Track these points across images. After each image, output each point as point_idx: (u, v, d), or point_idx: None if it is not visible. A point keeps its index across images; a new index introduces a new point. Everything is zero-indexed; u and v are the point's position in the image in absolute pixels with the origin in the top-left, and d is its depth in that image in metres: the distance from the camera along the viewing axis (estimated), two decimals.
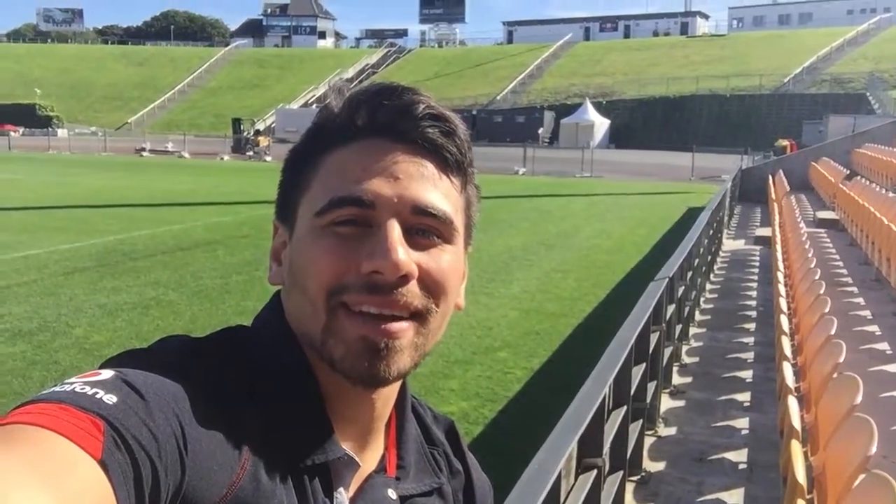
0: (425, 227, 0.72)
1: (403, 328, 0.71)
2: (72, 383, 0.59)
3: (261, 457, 0.66)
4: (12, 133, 54.31)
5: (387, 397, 0.78)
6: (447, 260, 0.74)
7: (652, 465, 4.84)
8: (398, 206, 0.71)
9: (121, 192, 21.80)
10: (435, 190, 0.73)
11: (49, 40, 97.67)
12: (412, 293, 0.70)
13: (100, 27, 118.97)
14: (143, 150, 43.71)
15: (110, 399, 0.58)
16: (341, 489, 0.74)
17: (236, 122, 49.98)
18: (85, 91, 76.77)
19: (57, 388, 0.59)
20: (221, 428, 0.64)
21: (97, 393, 0.58)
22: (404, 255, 0.69)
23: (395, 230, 0.70)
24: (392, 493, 0.77)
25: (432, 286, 0.72)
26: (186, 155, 41.84)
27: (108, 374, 0.62)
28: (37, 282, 9.94)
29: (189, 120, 66.65)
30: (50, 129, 57.59)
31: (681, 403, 5.97)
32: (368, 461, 0.78)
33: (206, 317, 8.25)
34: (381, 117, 0.74)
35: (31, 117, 64.78)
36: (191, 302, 9.05)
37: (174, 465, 0.59)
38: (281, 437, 0.69)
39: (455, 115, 0.77)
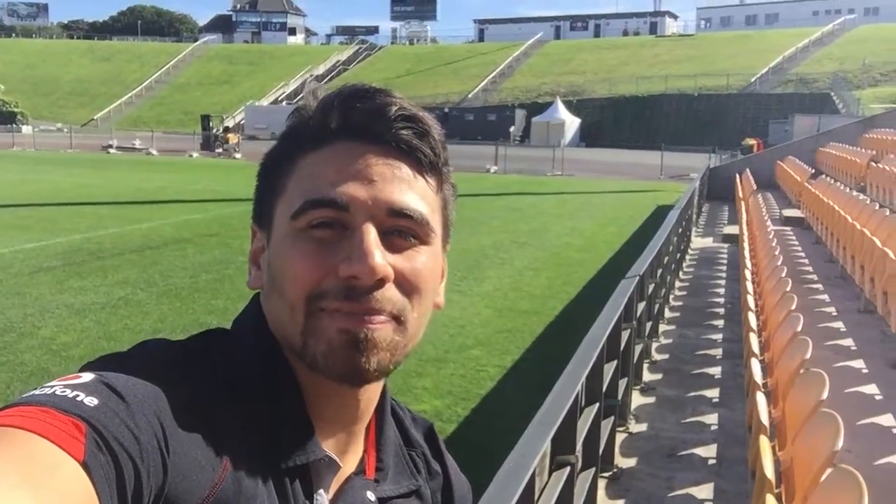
0: (401, 229, 0.73)
1: (382, 320, 0.71)
2: (52, 386, 0.60)
3: (242, 458, 0.67)
4: None
5: (368, 398, 0.78)
6: (423, 261, 0.74)
7: (623, 462, 4.89)
8: (373, 208, 0.71)
9: (87, 189, 21.46)
10: (410, 191, 0.74)
11: (13, 35, 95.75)
12: (388, 297, 0.71)
13: (65, 22, 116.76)
14: (110, 147, 43.04)
15: (91, 401, 0.58)
16: (321, 491, 0.74)
17: (205, 119, 49.39)
18: (50, 87, 75.35)
19: (37, 392, 0.59)
20: (202, 430, 0.65)
21: (78, 395, 0.58)
22: (381, 259, 0.69)
23: (370, 233, 0.70)
24: (371, 495, 0.78)
25: (409, 288, 0.72)
26: (154, 152, 41.28)
27: (88, 376, 0.62)
28: (1, 282, 9.77)
29: (157, 116, 65.76)
30: (14, 126, 56.37)
31: (651, 400, 6.04)
32: (348, 463, 0.78)
33: (175, 316, 8.17)
34: (354, 120, 0.74)
35: None
36: (160, 301, 8.95)
37: (156, 466, 0.59)
38: (262, 438, 0.70)
39: (429, 116, 0.77)
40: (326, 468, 0.74)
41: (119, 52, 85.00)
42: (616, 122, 54.91)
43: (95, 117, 67.98)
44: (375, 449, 0.82)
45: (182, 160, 37.60)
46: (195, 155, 40.59)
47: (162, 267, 10.92)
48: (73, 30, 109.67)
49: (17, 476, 0.50)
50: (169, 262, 11.28)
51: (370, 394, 0.78)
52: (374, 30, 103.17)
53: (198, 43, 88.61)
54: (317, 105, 0.76)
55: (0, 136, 50.90)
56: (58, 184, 22.96)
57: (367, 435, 0.82)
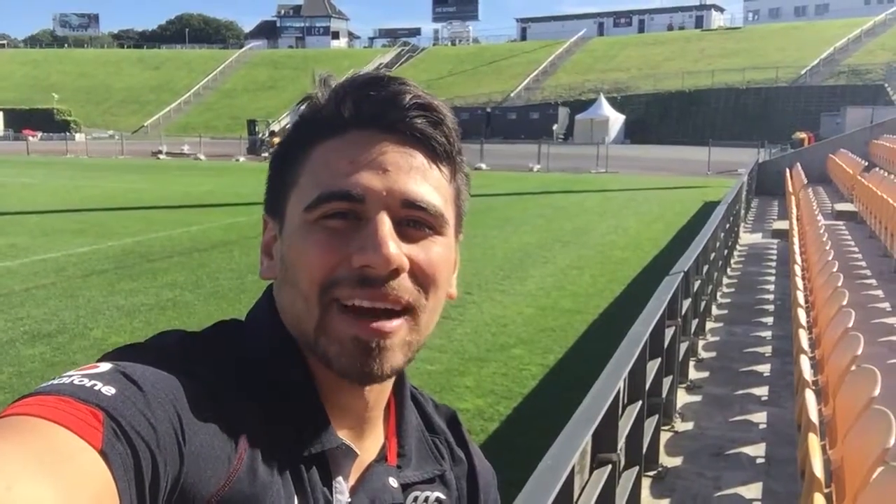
0: (416, 220, 0.72)
1: (395, 326, 0.71)
2: (70, 376, 0.60)
3: (257, 448, 0.67)
4: (31, 138, 54.90)
5: (381, 389, 0.78)
6: (438, 252, 0.73)
7: (668, 461, 4.81)
8: (388, 199, 0.71)
9: (138, 194, 21.97)
10: (424, 182, 0.73)
11: (66, 45, 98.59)
12: (403, 287, 0.70)
13: (115, 31, 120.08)
14: (160, 152, 44.00)
15: (109, 391, 0.58)
16: (340, 478, 0.74)
17: (251, 124, 50.21)
18: (102, 95, 77.42)
19: (56, 381, 0.59)
20: (218, 420, 0.65)
21: (96, 385, 0.59)
22: (395, 249, 0.69)
23: (385, 224, 0.70)
24: (393, 481, 0.77)
25: (423, 279, 0.72)
26: (202, 157, 42.08)
27: (106, 366, 0.62)
28: (55, 284, 10.04)
29: (205, 122, 67.02)
30: (68, 134, 58.13)
31: (698, 398, 5.93)
32: (368, 450, 0.78)
33: (221, 316, 8.15)
34: (367, 108, 0.73)
35: (49, 122, 65.39)
36: (207, 302, 9.11)
37: (173, 455, 0.59)
38: (277, 428, 0.70)
39: (443, 104, 0.76)
40: (344, 456, 0.74)
41: (168, 60, 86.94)
42: (662, 118, 54.18)
43: (146, 124, 69.62)
44: (396, 435, 0.81)
45: (229, 164, 38.27)
46: (242, 159, 41.24)
47: (209, 269, 11.11)
48: (123, 39, 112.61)
49: (35, 464, 0.51)
50: (216, 264, 11.47)
51: (382, 386, 0.78)
52: (416, 31, 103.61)
53: (244, 49, 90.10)
54: (329, 94, 0.75)
55: (55, 143, 52.47)
56: (110, 189, 23.56)
57: (388, 421, 0.81)
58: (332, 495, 0.72)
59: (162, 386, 0.63)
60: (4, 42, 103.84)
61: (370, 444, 0.78)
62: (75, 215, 17.27)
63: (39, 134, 60.56)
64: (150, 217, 17.21)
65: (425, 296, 0.72)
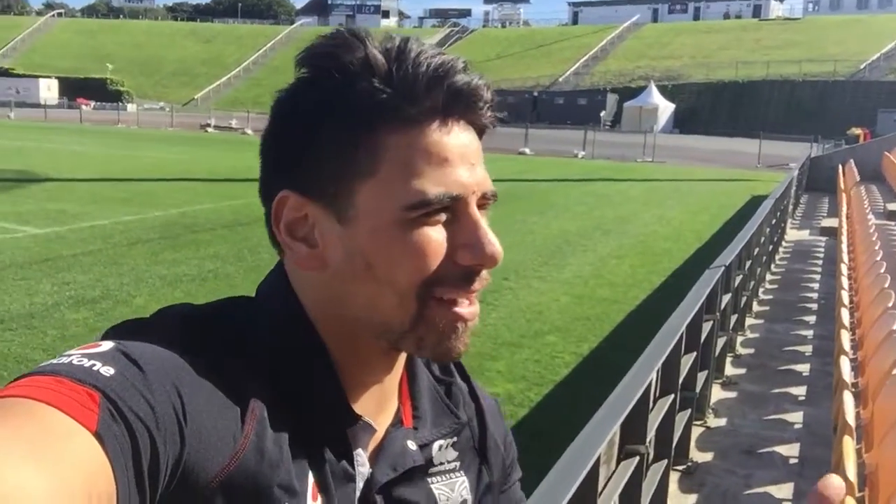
0: (485, 206, 0.74)
1: (476, 311, 0.73)
2: (69, 355, 0.59)
3: (266, 428, 0.66)
4: (84, 106, 56.11)
5: (400, 359, 0.79)
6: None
7: (699, 456, 4.76)
8: (476, 192, 0.72)
9: (185, 166, 22.32)
10: (484, 169, 0.74)
11: (121, 16, 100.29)
12: (485, 278, 0.73)
13: (170, 4, 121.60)
14: (208, 126, 44.61)
15: (107, 371, 0.58)
16: (360, 450, 0.73)
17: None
18: (154, 67, 78.64)
19: (54, 361, 0.59)
20: (223, 399, 0.64)
21: (94, 365, 0.58)
22: (499, 246, 0.71)
23: (483, 219, 0.72)
24: (412, 444, 0.77)
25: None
26: (250, 132, 42.53)
27: (107, 345, 0.61)
28: (102, 251, 10.27)
29: (253, 97, 67.64)
30: (120, 104, 59.28)
31: (733, 395, 5.84)
32: (384, 418, 0.78)
33: None
34: (459, 99, 0.71)
35: (102, 92, 66.78)
36: (247, 275, 9.23)
37: (173, 437, 0.58)
38: (292, 409, 0.69)
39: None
40: (362, 429, 0.74)
41: (220, 34, 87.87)
42: (713, 108, 53.17)
43: (196, 97, 70.59)
44: (410, 397, 0.81)
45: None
46: None
47: (251, 243, 11.24)
48: (176, 12, 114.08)
49: (27, 447, 0.50)
50: (258, 239, 11.58)
51: (401, 359, 0.79)
52: (466, 13, 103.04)
53: (294, 26, 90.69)
54: (402, 73, 0.69)
55: (107, 113, 53.59)
56: (158, 160, 23.99)
57: (401, 385, 0.81)
58: (353, 468, 0.72)
59: (164, 365, 0.62)
60: (62, 11, 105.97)
61: (386, 412, 0.78)
62: (123, 184, 17.63)
63: (93, 103, 61.87)
64: (196, 189, 17.48)
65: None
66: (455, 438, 0.82)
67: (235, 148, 31.09)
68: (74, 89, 65.34)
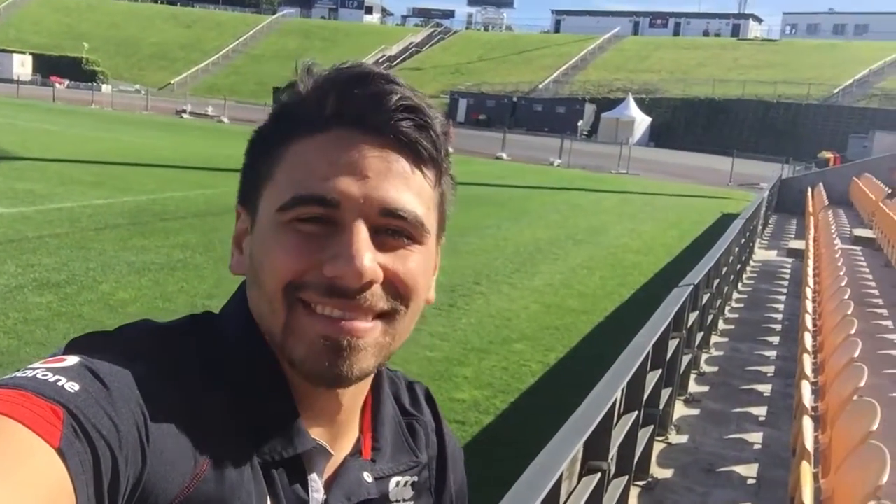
0: (394, 228, 0.69)
1: (368, 327, 0.69)
2: (34, 369, 0.59)
3: (226, 449, 0.66)
4: (58, 85, 55.16)
5: (357, 389, 0.76)
6: (415, 261, 0.71)
7: (659, 472, 4.80)
8: (365, 206, 0.68)
9: (158, 152, 22.05)
10: (406, 189, 0.70)
11: None
12: (376, 296, 0.68)
13: None
14: (184, 111, 44.10)
15: (72, 387, 0.57)
16: (314, 475, 0.73)
17: (277, 91, 49.99)
18: (132, 49, 77.52)
19: (19, 374, 0.58)
20: (186, 420, 0.64)
21: (59, 380, 0.57)
22: (370, 262, 0.66)
23: (361, 233, 0.67)
24: (367, 476, 0.76)
25: (400, 289, 0.70)
26: (226, 120, 42.15)
27: (72, 360, 0.61)
28: (69, 234, 10.10)
29: (231, 85, 67.05)
30: (94, 84, 58.35)
31: (695, 412, 5.91)
32: (343, 446, 0.77)
33: (229, 282, 8.12)
34: (351, 107, 0.70)
35: (76, 71, 65.64)
36: (217, 266, 9.13)
37: (135, 455, 0.58)
38: (248, 430, 0.68)
39: (432, 107, 0.73)
40: (318, 454, 0.73)
41: (200, 20, 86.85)
42: (688, 123, 53.73)
43: (172, 81, 69.69)
44: (371, 429, 0.80)
45: (252, 130, 38.25)
46: None
47: (222, 233, 11.12)
48: None
49: None
50: (229, 229, 11.12)
51: (358, 387, 0.76)
52: (450, 14, 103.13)
53: (276, 15, 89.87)
54: (312, 87, 0.72)
55: (80, 92, 52.70)
56: (131, 144, 23.66)
57: (364, 415, 0.80)
58: (307, 494, 0.72)
59: (128, 383, 0.61)
60: None
61: (345, 440, 0.77)
62: (94, 167, 17.35)
63: (67, 82, 60.83)
64: (168, 176, 17.27)
65: (403, 304, 0.70)
66: (416, 478, 0.81)
67: (210, 136, 30.81)
68: (49, 67, 64.19)
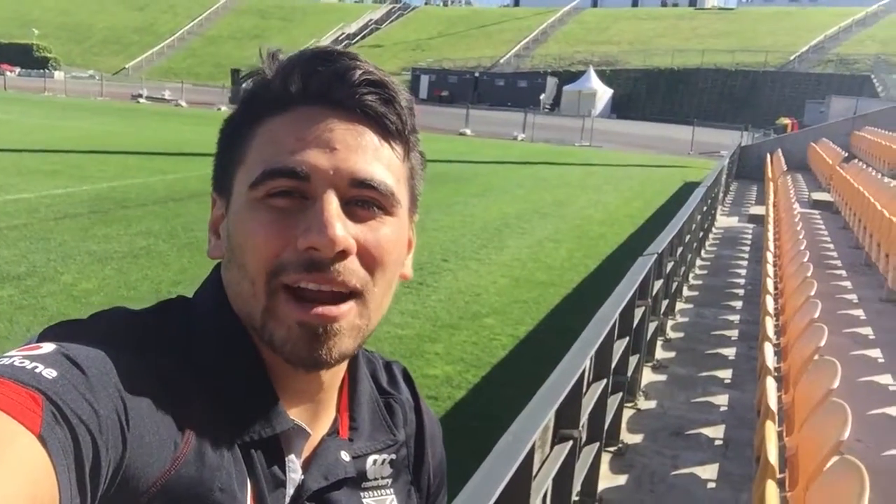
0: (365, 199, 0.70)
1: (343, 311, 0.69)
2: (10, 357, 0.59)
3: (206, 431, 0.66)
4: (8, 73, 53.67)
5: (333, 372, 0.77)
6: (387, 232, 0.72)
7: (629, 438, 4.89)
8: (335, 178, 0.69)
9: (116, 138, 21.62)
10: (375, 160, 0.71)
11: None
12: (350, 269, 0.69)
13: None
14: (140, 96, 43.28)
15: (50, 373, 0.57)
16: (292, 456, 0.74)
17: (235, 73, 49.39)
18: (84, 34, 75.71)
19: None
20: (164, 404, 0.64)
21: (37, 367, 0.57)
22: (342, 231, 0.67)
23: (332, 204, 0.68)
24: (345, 455, 0.77)
25: (372, 260, 0.70)
26: (183, 104, 41.45)
27: (48, 347, 0.61)
28: (27, 226, 9.90)
29: (187, 68, 65.88)
30: (46, 71, 56.91)
31: (662, 378, 6.02)
32: (320, 426, 0.77)
33: (195, 268, 8.23)
34: (315, 84, 0.71)
35: (27, 58, 63.90)
36: (180, 253, 9.04)
37: (115, 440, 0.59)
38: (226, 412, 0.69)
39: (396, 82, 0.74)
40: (296, 435, 0.74)
41: (153, 2, 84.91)
42: (649, 94, 54.12)
43: (127, 66, 68.29)
44: (349, 409, 0.81)
45: (210, 113, 37.66)
46: (224, 108, 40.59)
47: (185, 219, 11.00)
48: None
49: None
50: (192, 215, 11.35)
51: (336, 368, 0.77)
52: None
53: None
54: (277, 68, 0.73)
55: (32, 80, 51.37)
56: (87, 131, 23.16)
57: (341, 395, 0.81)
58: (285, 474, 0.72)
59: (106, 369, 0.61)
60: None
61: (322, 420, 0.78)
62: (51, 156, 16.97)
63: (17, 69, 59.20)
64: (127, 162, 16.97)
65: (374, 278, 0.71)
66: (394, 455, 0.82)
67: (169, 120, 30.29)
68: None
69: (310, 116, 0.71)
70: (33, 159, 16.26)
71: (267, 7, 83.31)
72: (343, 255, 0.68)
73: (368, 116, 0.71)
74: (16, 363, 0.57)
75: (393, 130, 0.73)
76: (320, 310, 0.68)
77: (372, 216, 0.71)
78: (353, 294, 0.70)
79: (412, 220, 0.79)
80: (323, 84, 0.71)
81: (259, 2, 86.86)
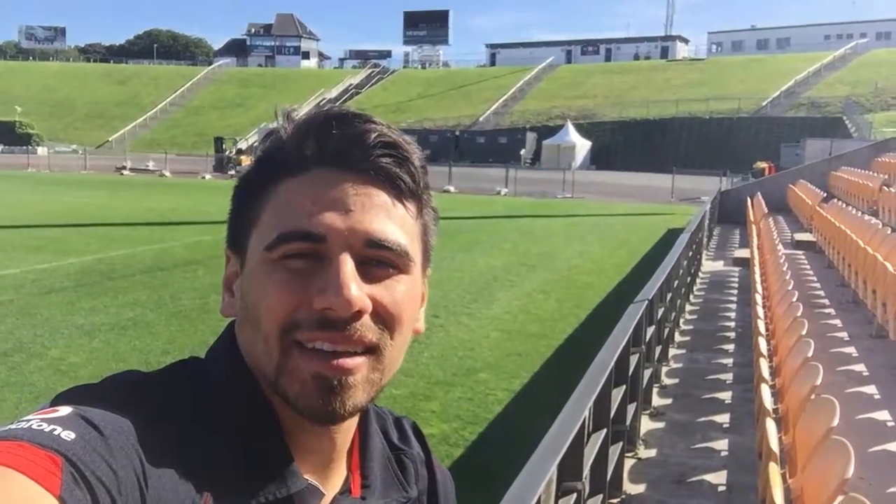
0: (379, 259, 0.71)
1: (357, 364, 0.70)
2: (28, 420, 0.59)
3: (223, 492, 0.66)
4: None
5: (346, 428, 0.78)
6: (402, 291, 0.73)
7: (632, 488, 4.83)
8: (350, 238, 0.70)
9: (100, 210, 21.62)
10: (389, 221, 0.72)
11: (31, 58, 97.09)
12: (366, 327, 0.70)
13: (82, 45, 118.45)
14: (124, 168, 43.42)
15: (68, 435, 0.57)
16: None
17: (218, 141, 49.80)
18: (66, 109, 76.27)
19: (13, 426, 0.58)
20: (181, 464, 0.64)
21: (55, 429, 0.58)
22: (357, 291, 0.68)
23: (347, 265, 0.69)
24: None
25: (387, 319, 0.71)
26: (167, 174, 41.60)
27: (65, 410, 0.61)
28: (13, 302, 9.82)
29: (171, 139, 66.33)
30: (30, 147, 57.10)
31: (661, 425, 5.98)
32: (332, 485, 0.77)
33: (184, 337, 8.17)
34: (330, 147, 0.72)
35: (10, 135, 64.09)
36: (169, 322, 8.97)
37: (135, 500, 0.58)
38: (242, 472, 0.69)
39: (409, 142, 0.75)
40: (310, 494, 0.73)
41: (135, 75, 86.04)
42: (627, 145, 54.94)
43: (110, 139, 68.68)
44: (360, 466, 0.81)
45: (195, 182, 37.85)
46: (208, 177, 40.85)
47: (172, 288, 10.95)
48: (90, 53, 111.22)
49: None
50: (179, 284, 11.31)
51: (348, 425, 0.77)
52: (386, 54, 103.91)
53: (212, 66, 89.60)
54: (292, 130, 0.74)
55: (15, 157, 51.53)
56: (71, 205, 23.16)
57: (352, 453, 0.81)
58: None
59: (123, 430, 0.62)
60: None
61: (334, 479, 0.78)
62: (35, 231, 16.94)
63: (0, 147, 59.40)
64: (112, 234, 16.94)
65: (390, 335, 0.72)
66: None
67: (153, 190, 30.35)
68: None
69: (325, 179, 0.72)
70: (17, 235, 16.20)
71: (248, 76, 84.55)
72: (359, 314, 0.69)
73: (382, 178, 0.73)
74: (33, 426, 0.58)
75: (406, 190, 0.74)
76: (336, 361, 0.69)
77: (388, 275, 0.72)
78: (369, 350, 0.71)
79: (425, 275, 0.80)
80: (338, 147, 0.72)
81: (239, 71, 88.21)
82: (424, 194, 0.78)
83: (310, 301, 0.68)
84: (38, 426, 0.58)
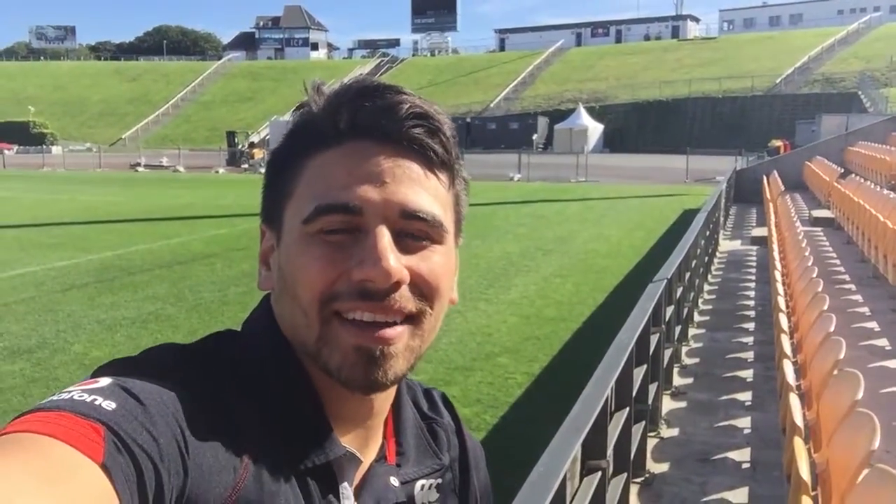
0: (414, 231, 0.72)
1: (398, 333, 0.71)
2: (70, 391, 0.60)
3: (262, 458, 0.67)
4: (6, 151, 54.31)
5: (385, 397, 0.79)
6: (438, 261, 0.73)
7: (655, 467, 4.84)
8: (386, 210, 0.70)
9: (117, 207, 21.79)
10: (423, 191, 0.73)
11: (42, 58, 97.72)
12: (405, 297, 0.70)
13: (92, 43, 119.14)
14: (138, 165, 43.70)
15: (109, 405, 0.59)
16: (346, 483, 0.74)
17: (231, 135, 50.02)
18: (79, 108, 76.78)
19: (55, 397, 0.59)
20: (221, 431, 0.65)
21: (96, 399, 0.59)
22: (395, 263, 0.68)
23: (384, 236, 0.69)
24: (394, 480, 0.78)
25: (425, 289, 0.72)
26: (181, 169, 41.83)
27: (105, 381, 0.62)
28: (35, 299, 9.93)
29: (183, 134, 66.65)
30: (44, 147, 57.53)
31: (682, 404, 5.97)
32: (369, 452, 0.79)
33: (204, 329, 8.21)
34: (363, 119, 0.73)
35: (25, 135, 64.66)
36: (189, 315, 9.05)
37: (176, 467, 0.60)
38: (281, 439, 0.70)
39: (440, 111, 0.76)
40: (348, 461, 0.75)
41: (146, 72, 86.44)
42: (640, 127, 54.63)
43: (123, 136, 69.10)
44: (395, 434, 0.82)
45: (209, 176, 38.04)
46: (221, 171, 41.04)
47: (191, 282, 11.04)
48: (100, 51, 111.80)
49: (36, 480, 0.51)
50: (198, 277, 11.40)
51: (386, 394, 0.78)
52: (395, 42, 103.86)
53: (222, 61, 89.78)
54: (324, 103, 0.75)
55: (31, 156, 51.97)
56: (88, 202, 23.35)
57: (386, 421, 0.82)
58: (339, 501, 0.73)
59: (163, 399, 0.63)
60: None
61: (371, 447, 0.79)
62: (53, 229, 17.09)
63: (15, 147, 59.88)
64: (130, 230, 17.08)
65: (429, 304, 0.73)
66: (440, 480, 0.83)
67: (168, 186, 30.53)
68: None
69: (359, 151, 0.72)
70: (36, 233, 16.36)
71: (258, 69, 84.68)
72: (397, 285, 0.69)
73: (415, 148, 0.73)
74: (75, 396, 0.59)
75: (438, 161, 0.75)
76: (377, 333, 0.70)
77: (422, 247, 0.73)
78: (408, 318, 0.72)
79: (457, 244, 0.80)
80: (371, 119, 0.73)
81: (249, 65, 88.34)
82: (456, 164, 0.78)
83: (348, 273, 0.69)
84: (80, 396, 0.59)
